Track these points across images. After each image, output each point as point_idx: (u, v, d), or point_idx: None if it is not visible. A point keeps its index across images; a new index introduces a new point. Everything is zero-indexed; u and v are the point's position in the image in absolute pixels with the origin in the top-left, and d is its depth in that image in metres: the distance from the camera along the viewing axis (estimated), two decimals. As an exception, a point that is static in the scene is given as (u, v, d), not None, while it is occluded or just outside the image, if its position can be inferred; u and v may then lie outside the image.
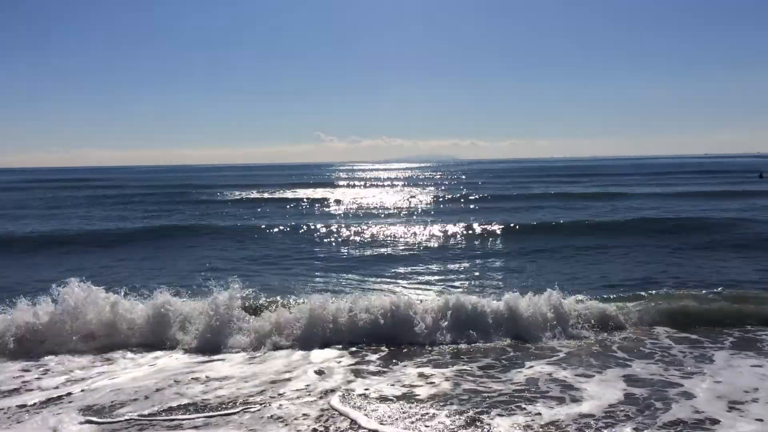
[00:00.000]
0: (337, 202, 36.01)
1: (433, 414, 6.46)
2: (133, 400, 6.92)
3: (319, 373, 7.83)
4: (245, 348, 8.75)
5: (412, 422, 6.25)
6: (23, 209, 32.70)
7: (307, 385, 7.37)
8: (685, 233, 18.52)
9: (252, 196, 41.88)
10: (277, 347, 8.79)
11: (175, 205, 34.47)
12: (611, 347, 8.75)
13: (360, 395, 7.03)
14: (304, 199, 37.31)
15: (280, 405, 6.76)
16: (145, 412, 6.58)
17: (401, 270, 14.52)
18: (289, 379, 7.60)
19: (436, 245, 18.20)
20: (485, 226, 20.67)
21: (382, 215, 27.82)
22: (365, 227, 21.29)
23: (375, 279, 13.46)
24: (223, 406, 6.75)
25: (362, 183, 64.92)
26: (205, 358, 8.40)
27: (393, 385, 7.36)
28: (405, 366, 8.05)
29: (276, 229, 21.42)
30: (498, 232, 20.04)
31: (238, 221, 24.52)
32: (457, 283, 12.83)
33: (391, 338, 8.99)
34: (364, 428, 6.16)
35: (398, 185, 59.35)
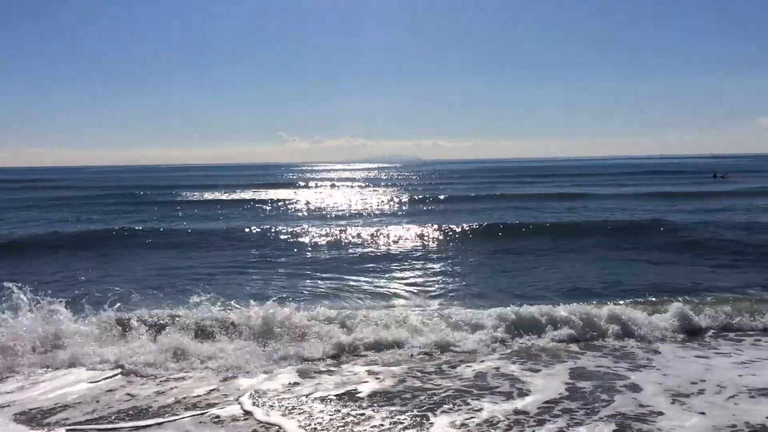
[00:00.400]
0: (299, 203, 35.13)
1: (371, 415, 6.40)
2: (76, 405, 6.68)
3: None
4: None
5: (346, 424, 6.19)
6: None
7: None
8: (638, 235, 18.39)
9: (212, 197, 40.82)
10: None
11: (132, 206, 33.49)
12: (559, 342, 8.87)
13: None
14: (266, 201, 36.51)
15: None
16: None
17: (364, 273, 13.96)
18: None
19: (396, 248, 17.61)
20: (445, 228, 20.11)
21: (346, 216, 27.15)
22: (329, 229, 20.56)
23: (334, 283, 13.00)
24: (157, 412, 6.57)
25: (326, 183, 64.27)
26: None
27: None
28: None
29: (236, 233, 20.43)
30: (457, 234, 19.50)
31: (197, 224, 23.74)
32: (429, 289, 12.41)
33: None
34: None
35: (362, 186, 58.82)
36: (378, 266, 14.85)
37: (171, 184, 62.00)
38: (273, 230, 20.63)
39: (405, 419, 6.19)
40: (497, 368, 7.73)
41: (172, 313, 9.35)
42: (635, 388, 7.03)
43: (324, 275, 13.79)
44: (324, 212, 29.64)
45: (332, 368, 7.83)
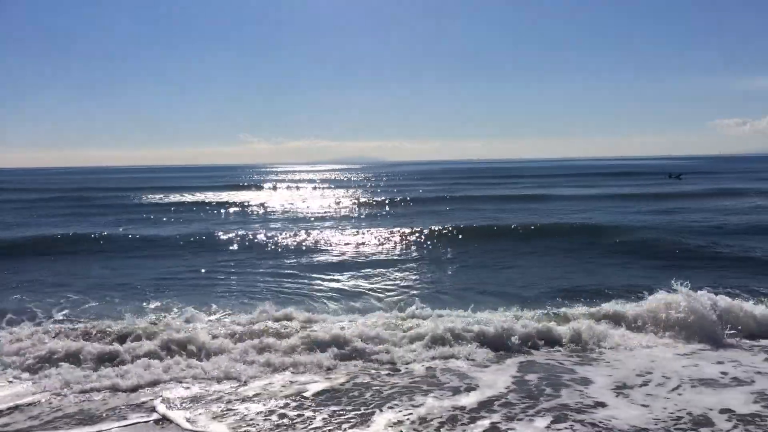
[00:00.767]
0: (257, 205, 34.26)
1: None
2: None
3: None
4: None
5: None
6: None
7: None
8: (592, 238, 18.10)
9: (170, 200, 39.32)
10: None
11: (85, 209, 32.17)
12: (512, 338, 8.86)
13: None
14: (225, 203, 35.48)
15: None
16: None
17: (321, 278, 13.54)
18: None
19: (357, 252, 17.00)
20: (402, 230, 19.65)
21: (310, 219, 26.43)
22: (292, 233, 19.92)
23: (294, 287, 12.66)
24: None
25: (288, 185, 63.30)
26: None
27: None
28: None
29: (195, 238, 19.43)
30: (413, 236, 18.99)
31: (152, 229, 22.66)
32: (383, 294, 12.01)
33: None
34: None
35: (325, 187, 58.27)
36: (331, 270, 14.34)
37: (124, 186, 59.84)
38: (232, 234, 19.87)
39: (350, 417, 6.12)
40: (447, 365, 7.71)
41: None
42: (584, 381, 7.09)
43: (282, 279, 13.46)
44: (281, 214, 28.97)
45: (277, 372, 7.65)
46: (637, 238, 17.78)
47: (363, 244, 18.30)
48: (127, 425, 6.05)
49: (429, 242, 18.33)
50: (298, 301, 11.22)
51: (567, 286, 12.18)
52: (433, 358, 7.86)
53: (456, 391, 6.80)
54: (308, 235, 19.58)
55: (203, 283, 13.08)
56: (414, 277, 13.54)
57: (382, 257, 16.12)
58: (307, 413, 6.24)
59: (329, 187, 57.37)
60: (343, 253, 16.74)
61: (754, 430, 5.76)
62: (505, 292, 11.83)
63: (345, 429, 5.85)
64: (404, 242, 18.45)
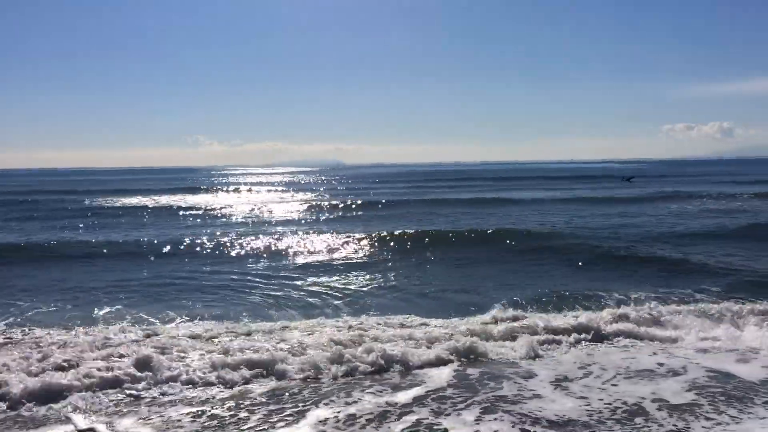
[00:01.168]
0: (215, 209, 32.53)
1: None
2: None
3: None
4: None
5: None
6: None
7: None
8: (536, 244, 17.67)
9: (123, 203, 37.52)
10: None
11: (30, 212, 30.55)
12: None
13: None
14: (181, 206, 34.14)
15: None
16: None
17: (267, 283, 13.09)
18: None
19: (309, 257, 16.36)
20: (356, 236, 18.92)
21: (263, 223, 25.46)
22: (248, 238, 19.18)
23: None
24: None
25: (241, 188, 61.54)
26: None
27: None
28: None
29: (145, 245, 18.29)
30: (365, 241, 18.29)
31: (100, 234, 21.35)
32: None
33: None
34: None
35: (281, 190, 56.87)
36: (278, 276, 13.82)
37: (71, 189, 57.14)
38: (182, 240, 18.84)
39: (285, 416, 5.99)
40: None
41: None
42: (528, 375, 7.14)
43: (229, 284, 13.04)
44: (231, 219, 27.80)
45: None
46: (570, 243, 17.33)
47: (315, 251, 17.25)
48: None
49: (369, 248, 17.56)
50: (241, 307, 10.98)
51: (496, 295, 11.53)
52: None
53: (397, 387, 6.78)
54: (259, 239, 19.04)
55: (155, 291, 12.42)
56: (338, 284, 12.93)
57: (332, 262, 15.55)
58: (242, 414, 6.09)
59: (285, 190, 56.41)
60: (295, 258, 16.23)
61: (687, 418, 5.88)
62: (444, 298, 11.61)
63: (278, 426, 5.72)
64: (345, 247, 17.62)
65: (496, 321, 9.37)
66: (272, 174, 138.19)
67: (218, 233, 20.99)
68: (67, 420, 5.96)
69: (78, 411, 6.13)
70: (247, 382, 6.92)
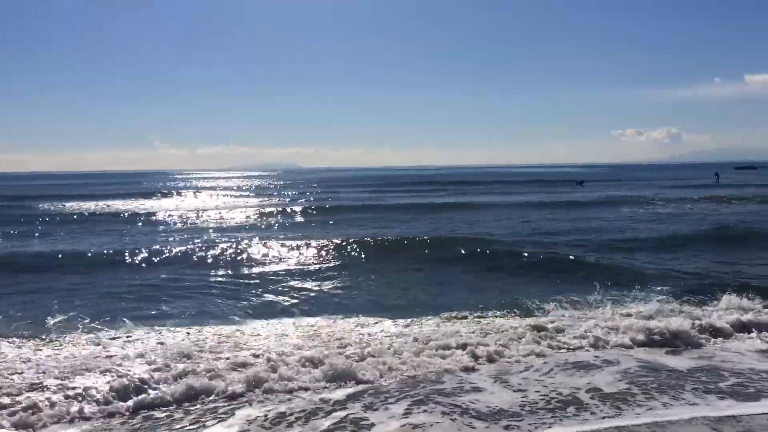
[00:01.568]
0: (168, 214, 30.75)
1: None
2: None
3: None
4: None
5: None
6: None
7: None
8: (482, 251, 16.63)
9: (75, 209, 35.29)
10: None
11: None
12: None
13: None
14: (135, 212, 32.45)
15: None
16: None
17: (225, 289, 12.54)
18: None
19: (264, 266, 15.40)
20: (318, 242, 17.81)
21: (218, 228, 24.39)
22: (191, 245, 18.20)
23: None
24: None
25: (198, 192, 59.99)
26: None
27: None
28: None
29: (96, 254, 16.95)
30: (316, 248, 17.20)
31: (58, 243, 20.05)
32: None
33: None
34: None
35: (238, 195, 55.33)
36: (235, 284, 13.26)
37: (20, 194, 54.39)
38: (135, 248, 17.47)
39: (217, 414, 5.88)
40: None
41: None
42: (473, 369, 7.20)
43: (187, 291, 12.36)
44: (186, 224, 26.37)
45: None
46: (500, 250, 16.61)
47: (277, 258, 16.31)
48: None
49: (318, 254, 16.68)
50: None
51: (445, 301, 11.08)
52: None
53: (340, 385, 6.74)
54: (213, 245, 17.67)
55: (108, 300, 11.61)
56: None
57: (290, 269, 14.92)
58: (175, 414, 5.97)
59: (241, 195, 55.16)
60: (251, 265, 15.43)
61: (621, 405, 6.03)
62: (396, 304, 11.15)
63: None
64: (300, 254, 16.70)
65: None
66: (227, 178, 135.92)
67: (173, 239, 20.11)
68: None
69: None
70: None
